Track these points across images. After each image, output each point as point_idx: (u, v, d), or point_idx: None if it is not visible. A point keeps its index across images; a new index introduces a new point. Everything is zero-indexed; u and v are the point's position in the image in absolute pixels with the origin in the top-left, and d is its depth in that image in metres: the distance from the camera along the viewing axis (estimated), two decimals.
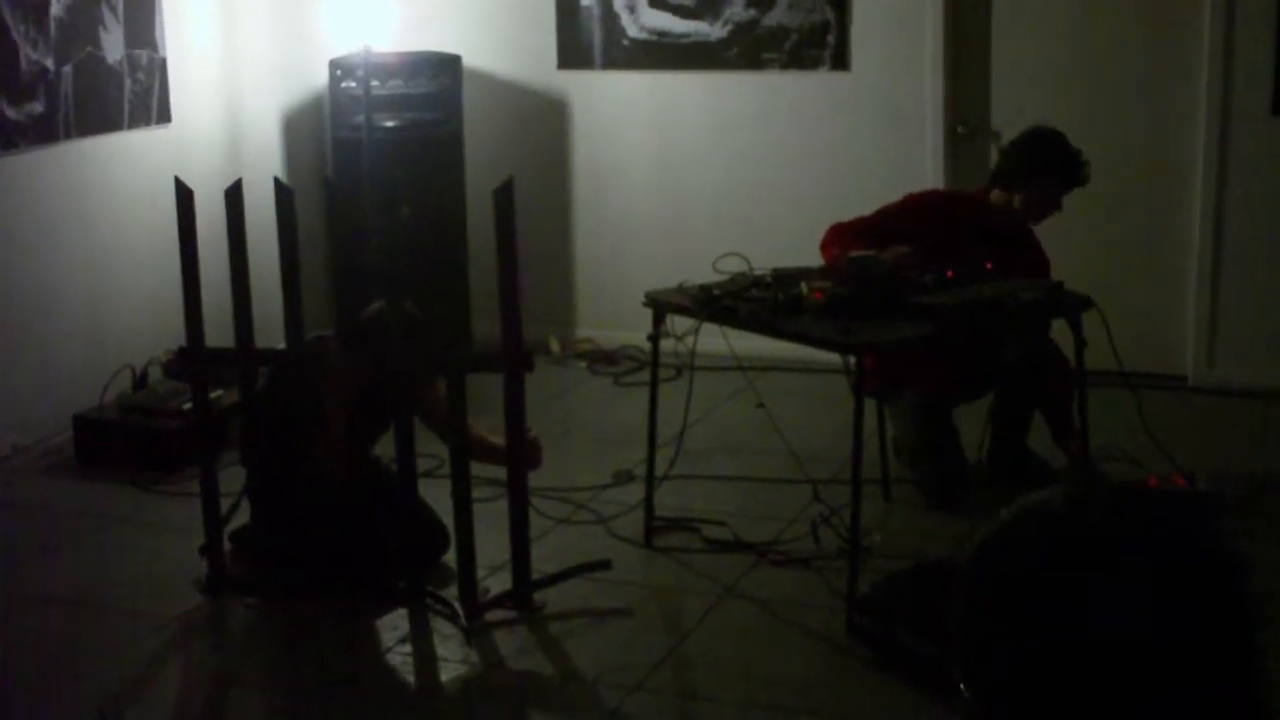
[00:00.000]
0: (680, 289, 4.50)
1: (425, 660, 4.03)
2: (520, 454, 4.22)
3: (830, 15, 6.43)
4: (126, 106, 5.90)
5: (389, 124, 6.46)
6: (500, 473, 4.37)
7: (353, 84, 6.46)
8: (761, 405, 4.86)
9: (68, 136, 5.63)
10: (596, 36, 6.77)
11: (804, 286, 4.28)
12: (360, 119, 6.41)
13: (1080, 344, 4.51)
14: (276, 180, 4.38)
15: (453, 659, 4.00)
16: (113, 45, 5.81)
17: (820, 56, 6.49)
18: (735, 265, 4.49)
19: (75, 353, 5.70)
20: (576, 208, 6.97)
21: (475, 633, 4.09)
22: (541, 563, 4.33)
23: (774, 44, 6.54)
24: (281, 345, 4.42)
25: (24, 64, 5.39)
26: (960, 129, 6.42)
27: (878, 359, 4.65)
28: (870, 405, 4.80)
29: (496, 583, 4.32)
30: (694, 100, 6.71)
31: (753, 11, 6.54)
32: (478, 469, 4.36)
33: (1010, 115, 6.09)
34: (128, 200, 5.92)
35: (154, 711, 3.84)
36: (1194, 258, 6.17)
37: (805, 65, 6.52)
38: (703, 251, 4.90)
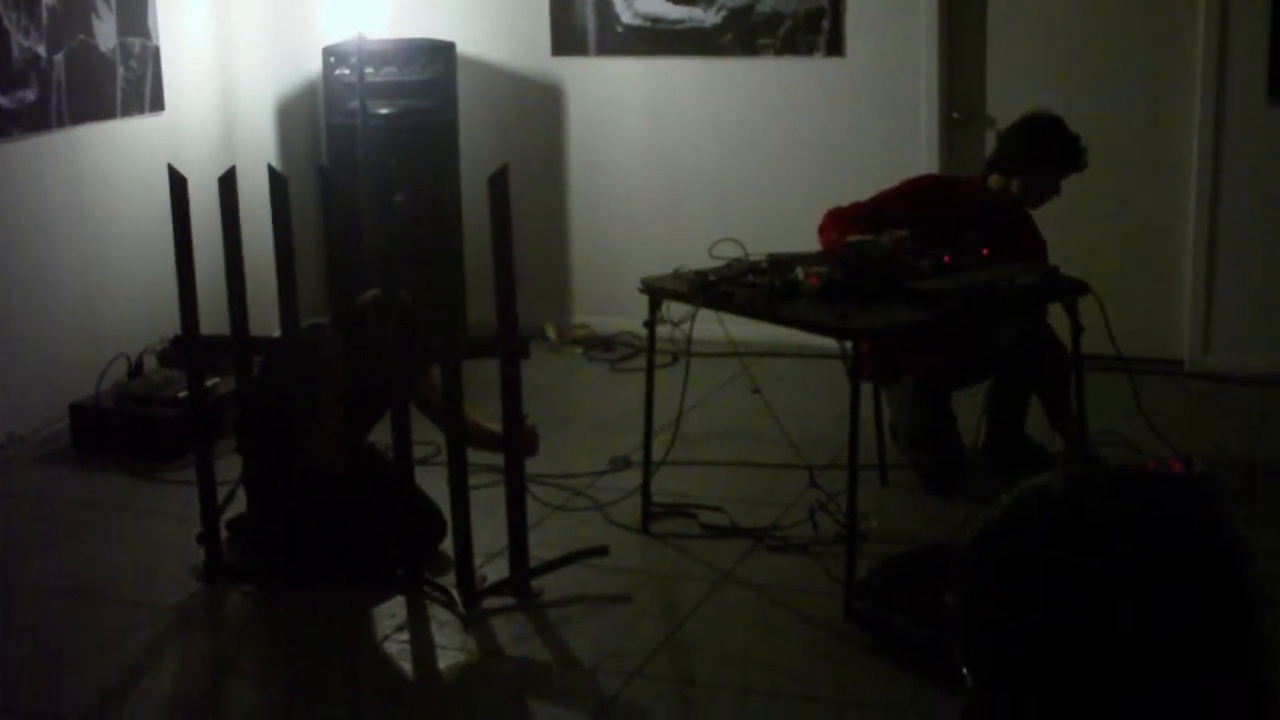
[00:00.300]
0: (676, 275, 4.49)
1: (423, 648, 4.03)
2: (517, 441, 4.21)
3: (825, 1, 6.42)
4: (120, 94, 5.88)
5: (383, 111, 6.44)
6: (497, 460, 4.37)
7: (346, 71, 6.45)
8: (758, 391, 4.86)
9: (60, 125, 5.61)
10: (591, 23, 6.75)
11: (800, 271, 4.28)
12: (354, 106, 6.39)
13: (1076, 329, 4.51)
14: (270, 168, 4.37)
15: (450, 646, 4.00)
16: (105, 33, 5.78)
17: (815, 42, 6.48)
18: (731, 251, 4.49)
19: (70, 341, 5.68)
20: (571, 194, 6.96)
21: (473, 620, 4.09)
22: (539, 549, 4.33)
23: (769, 30, 6.52)
24: (276, 333, 4.40)
25: (16, 51, 5.37)
26: (955, 115, 6.41)
27: (874, 344, 4.65)
28: (867, 390, 4.79)
29: (494, 570, 4.32)
30: (689, 86, 6.70)
31: None
32: (474, 456, 4.36)
33: (1005, 102, 6.08)
34: (122, 189, 5.90)
35: (152, 699, 3.84)
36: (1190, 243, 6.17)
37: (800, 51, 6.51)
38: (698, 237, 4.90)
